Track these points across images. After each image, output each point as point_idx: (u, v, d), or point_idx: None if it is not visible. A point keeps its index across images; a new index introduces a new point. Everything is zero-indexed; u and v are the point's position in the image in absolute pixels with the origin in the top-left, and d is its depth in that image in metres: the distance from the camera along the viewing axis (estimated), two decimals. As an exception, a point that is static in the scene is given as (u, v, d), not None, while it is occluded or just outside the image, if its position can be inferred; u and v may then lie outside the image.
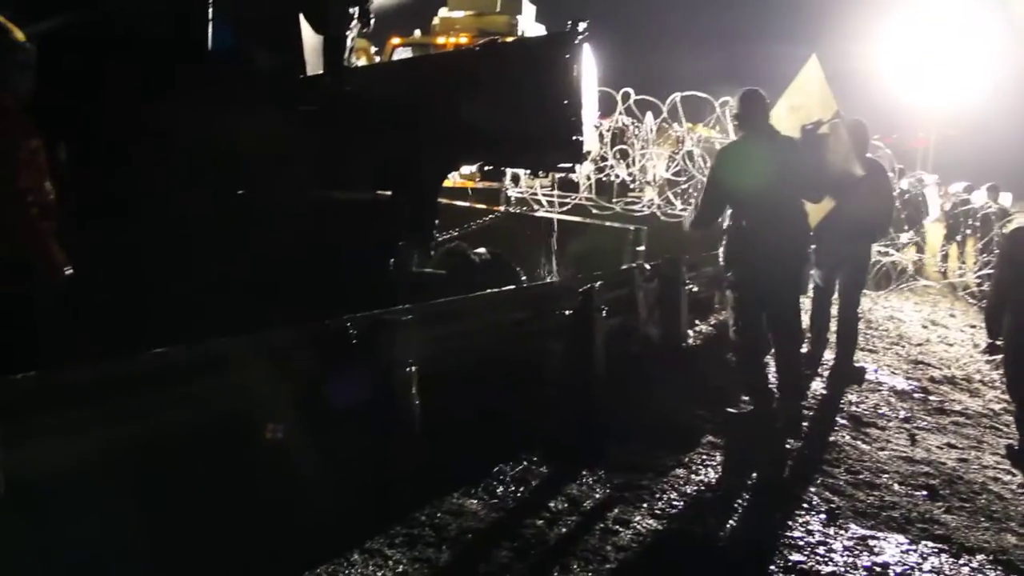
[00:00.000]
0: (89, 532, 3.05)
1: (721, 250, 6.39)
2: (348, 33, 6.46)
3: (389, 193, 6.68)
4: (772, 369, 6.42)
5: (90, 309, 4.37)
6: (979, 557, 4.52)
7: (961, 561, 4.45)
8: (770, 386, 6.23)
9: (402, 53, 17.08)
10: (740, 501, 4.93)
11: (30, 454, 2.93)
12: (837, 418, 6.79)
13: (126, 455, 3.26)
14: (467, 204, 11.35)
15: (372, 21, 6.69)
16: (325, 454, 3.97)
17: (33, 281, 3.80)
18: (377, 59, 17.05)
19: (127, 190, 5.35)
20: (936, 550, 4.54)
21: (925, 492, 5.39)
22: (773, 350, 6.29)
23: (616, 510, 4.55)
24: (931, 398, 7.91)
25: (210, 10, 5.77)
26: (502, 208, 11.81)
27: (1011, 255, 6.40)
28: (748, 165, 5.95)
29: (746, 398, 6.38)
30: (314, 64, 6.56)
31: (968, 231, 17.58)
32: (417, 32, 18.40)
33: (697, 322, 9.20)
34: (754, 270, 5.95)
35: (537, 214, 11.90)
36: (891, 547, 4.51)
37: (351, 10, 6.45)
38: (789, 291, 6.16)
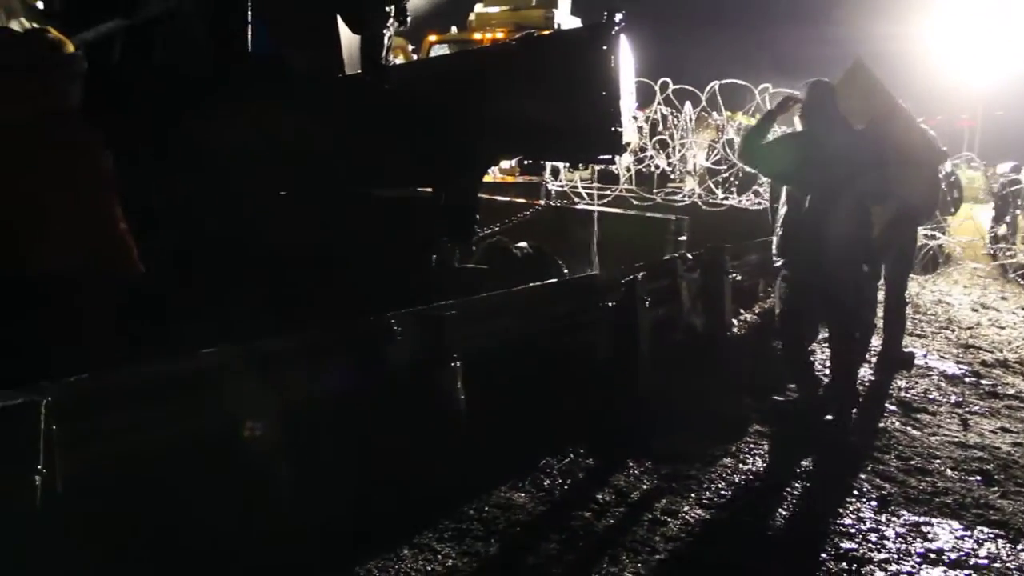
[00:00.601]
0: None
1: (775, 238, 6.20)
2: (385, 31, 6.49)
3: (430, 190, 6.71)
4: (822, 357, 6.39)
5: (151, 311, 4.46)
6: (1036, 542, 4.45)
7: (1020, 546, 4.37)
8: (816, 375, 6.18)
9: (439, 50, 17.17)
10: (789, 489, 4.90)
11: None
12: (887, 404, 6.71)
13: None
14: (508, 199, 11.36)
15: (408, 19, 6.71)
16: (373, 451, 4.02)
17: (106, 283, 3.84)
18: (415, 56, 17.14)
19: (171, 196, 5.43)
20: (992, 536, 4.47)
21: (979, 477, 5.31)
22: (828, 339, 6.25)
23: (664, 500, 4.55)
24: (983, 382, 7.79)
25: (249, 12, 5.83)
26: (543, 202, 11.81)
27: None
28: (815, 155, 5.77)
29: (792, 386, 6.32)
30: (354, 63, 6.61)
31: (1018, 211, 17.34)
32: (453, 29, 18.49)
33: (741, 311, 9.13)
34: (808, 263, 5.82)
35: (578, 207, 11.89)
36: (945, 533, 4.45)
37: (387, 8, 6.47)
38: (847, 287, 5.93)
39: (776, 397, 6.32)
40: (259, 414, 3.53)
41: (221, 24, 5.88)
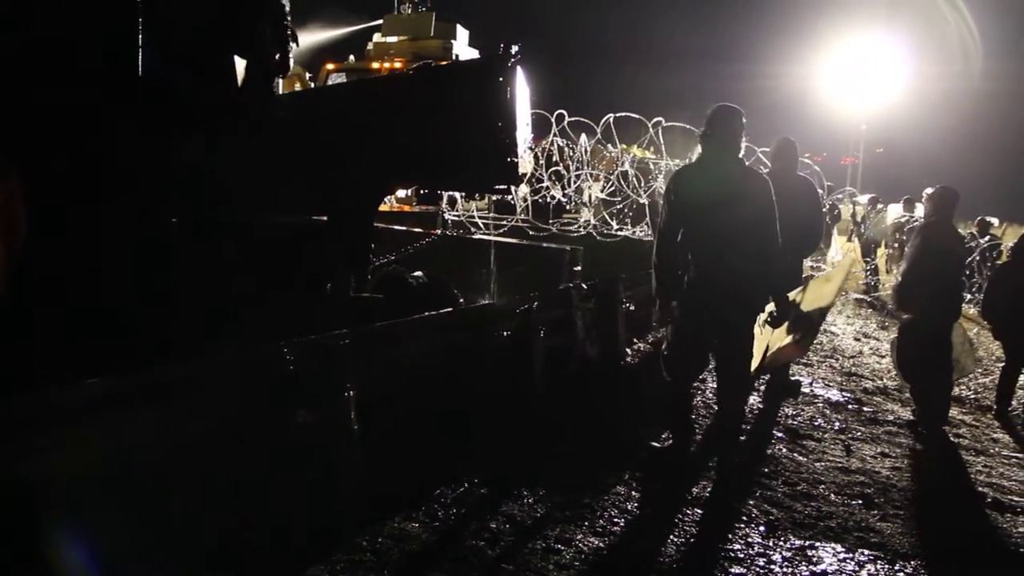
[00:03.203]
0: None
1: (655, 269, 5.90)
2: (274, 54, 6.43)
3: (324, 218, 6.65)
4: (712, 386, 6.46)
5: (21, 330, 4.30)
6: (913, 563, 4.62)
7: (897, 567, 4.54)
8: (692, 421, 6.18)
9: (337, 78, 17.09)
10: (680, 516, 4.97)
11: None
12: (774, 431, 6.89)
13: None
14: (404, 228, 11.33)
15: (295, 42, 6.67)
16: (266, 480, 3.93)
17: None
18: (312, 84, 17.02)
19: (58, 217, 5.25)
20: (872, 557, 4.63)
21: (860, 501, 5.49)
22: (716, 369, 6.12)
23: (558, 529, 4.56)
24: (865, 409, 8.06)
25: (140, 37, 5.70)
26: (439, 231, 11.82)
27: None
28: (704, 189, 5.57)
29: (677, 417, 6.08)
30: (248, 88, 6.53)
31: (874, 244, 18.34)
32: (351, 57, 18.44)
33: (635, 340, 9.27)
34: (699, 304, 5.61)
35: (474, 236, 11.93)
36: (829, 556, 4.58)
37: (275, 35, 6.43)
38: (737, 330, 5.70)
39: (653, 443, 6.10)
40: (146, 445, 3.43)
41: (110, 47, 5.73)
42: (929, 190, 7.84)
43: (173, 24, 5.92)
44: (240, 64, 6.49)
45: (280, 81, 7.12)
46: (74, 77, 5.38)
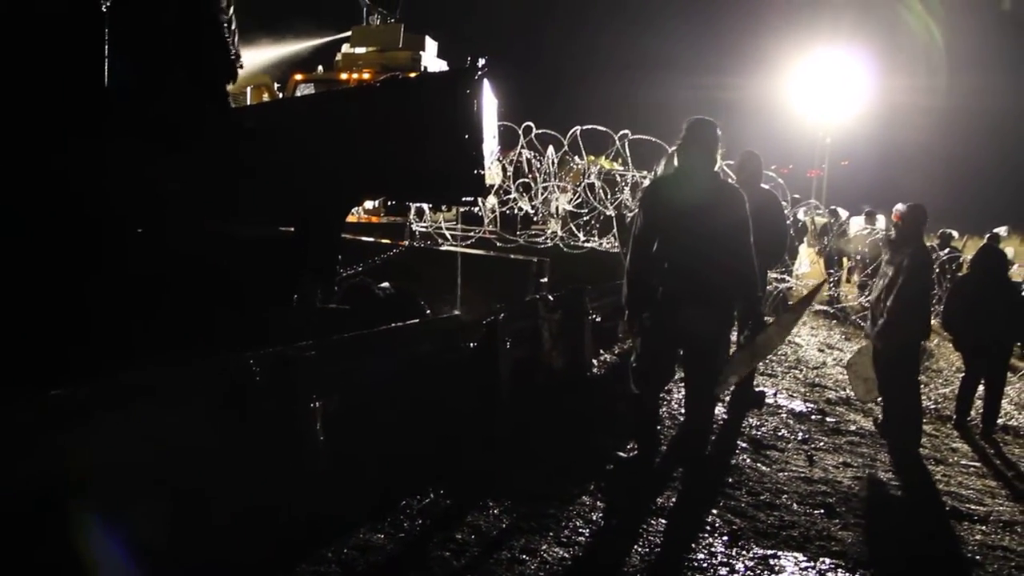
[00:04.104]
0: None
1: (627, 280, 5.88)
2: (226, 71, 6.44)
3: (291, 229, 6.65)
4: (678, 397, 6.51)
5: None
6: (872, 571, 4.69)
7: (858, 575, 4.61)
8: (657, 433, 6.18)
9: (305, 89, 17.06)
10: (645, 526, 5.00)
11: None
12: (739, 441, 6.95)
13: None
14: (371, 239, 11.32)
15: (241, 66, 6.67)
16: (232, 494, 3.92)
17: None
18: (280, 95, 16.99)
19: (16, 226, 5.23)
20: (833, 566, 4.69)
21: (822, 510, 5.56)
22: (684, 380, 6.15)
23: (523, 540, 4.58)
24: (828, 419, 8.16)
25: (104, 48, 5.68)
26: (406, 242, 11.82)
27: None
28: (680, 200, 5.57)
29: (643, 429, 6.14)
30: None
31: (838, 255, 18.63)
32: (320, 68, 18.41)
33: (601, 351, 9.31)
34: (670, 315, 5.58)
35: (442, 248, 11.94)
36: (791, 565, 4.64)
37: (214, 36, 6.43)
38: (707, 341, 5.69)
39: (619, 452, 6.12)
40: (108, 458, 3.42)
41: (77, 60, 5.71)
42: (900, 207, 7.90)
43: (134, 33, 5.91)
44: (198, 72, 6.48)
45: (248, 91, 7.12)
46: (40, 88, 5.37)
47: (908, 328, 7.53)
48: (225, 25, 6.45)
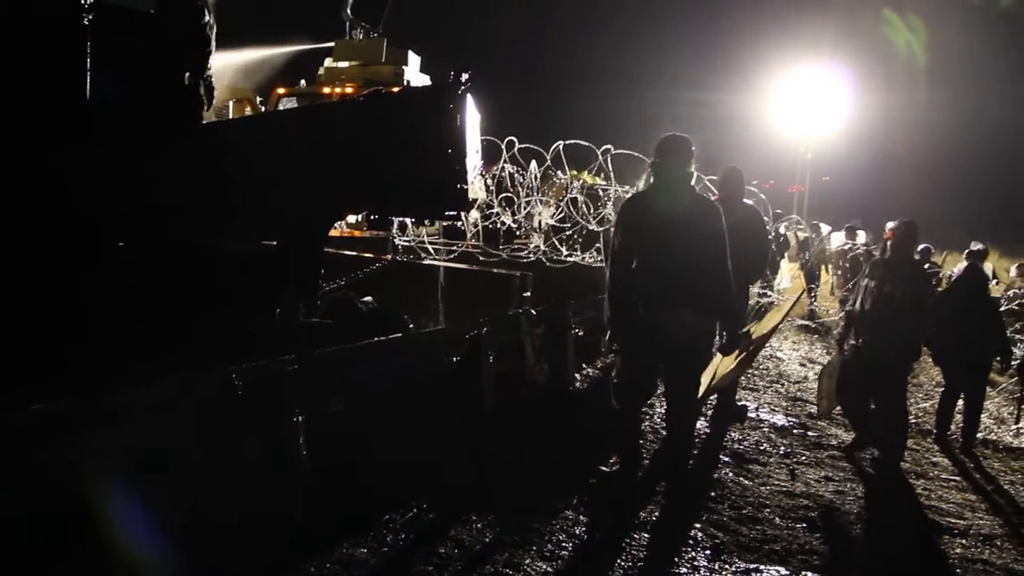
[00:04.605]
0: None
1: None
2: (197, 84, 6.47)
3: (274, 243, 6.64)
4: (660, 411, 6.52)
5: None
6: (855, 585, 4.71)
7: (839, 589, 4.64)
8: (640, 447, 6.19)
9: (288, 103, 17.03)
10: (628, 540, 5.01)
11: None
12: (721, 456, 6.97)
13: None
14: (354, 253, 11.31)
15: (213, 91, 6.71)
16: (215, 506, 3.91)
17: None
18: (262, 109, 16.96)
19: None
20: (815, 580, 4.71)
21: (804, 524, 5.58)
22: (665, 394, 6.12)
23: (506, 554, 4.58)
24: (809, 433, 8.19)
25: (87, 61, 5.69)
26: (389, 256, 11.81)
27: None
28: (656, 216, 5.57)
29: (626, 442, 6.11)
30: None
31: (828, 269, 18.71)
32: (303, 82, 18.39)
33: (584, 366, 9.33)
34: (650, 331, 5.56)
35: (424, 262, 11.94)
36: (773, 579, 4.65)
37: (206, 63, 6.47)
38: (687, 356, 5.68)
39: (601, 467, 6.21)
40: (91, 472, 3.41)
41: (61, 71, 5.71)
42: (891, 224, 7.86)
43: (116, 46, 5.92)
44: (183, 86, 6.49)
45: (231, 105, 7.13)
46: (23, 101, 5.37)
47: (906, 345, 7.45)
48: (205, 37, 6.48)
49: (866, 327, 7.53)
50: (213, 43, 6.60)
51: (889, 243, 7.92)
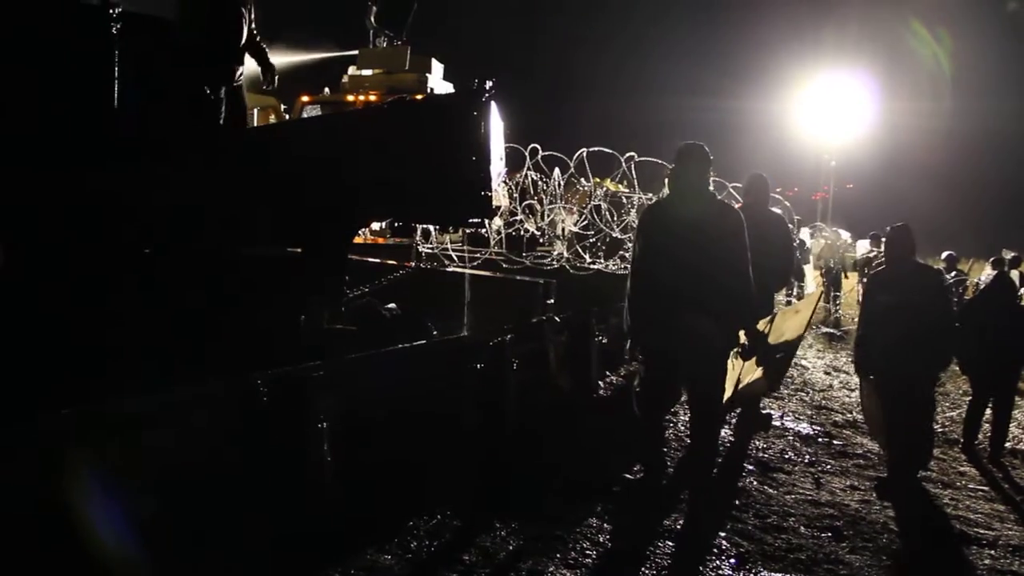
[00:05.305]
0: None
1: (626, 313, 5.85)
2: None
3: (299, 250, 6.67)
4: (684, 419, 6.49)
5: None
6: (882, 595, 4.67)
7: (865, 600, 4.60)
8: (664, 455, 6.14)
9: (312, 111, 17.12)
10: (652, 549, 4.99)
11: None
12: (745, 464, 6.93)
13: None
14: (378, 260, 11.34)
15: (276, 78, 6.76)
16: (235, 515, 3.92)
17: None
18: (287, 117, 17.04)
19: (33, 247, 5.28)
20: (841, 590, 4.67)
21: (830, 533, 5.54)
22: (688, 403, 6.13)
23: (530, 561, 4.57)
24: (835, 442, 8.13)
25: (115, 71, 5.74)
26: (413, 264, 11.83)
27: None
28: (675, 224, 5.56)
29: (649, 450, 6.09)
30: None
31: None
32: (327, 90, 18.46)
33: (608, 373, 9.31)
34: (671, 339, 5.54)
35: (448, 269, 11.95)
36: (798, 588, 4.62)
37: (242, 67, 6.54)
38: (709, 365, 5.65)
39: (626, 475, 6.16)
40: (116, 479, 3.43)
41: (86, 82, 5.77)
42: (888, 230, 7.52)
43: (145, 56, 5.97)
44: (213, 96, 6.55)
45: (255, 112, 7.19)
46: (51, 110, 5.43)
47: (936, 354, 6.97)
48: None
49: (887, 355, 6.84)
50: (243, 50, 6.67)
51: (884, 255, 7.50)
